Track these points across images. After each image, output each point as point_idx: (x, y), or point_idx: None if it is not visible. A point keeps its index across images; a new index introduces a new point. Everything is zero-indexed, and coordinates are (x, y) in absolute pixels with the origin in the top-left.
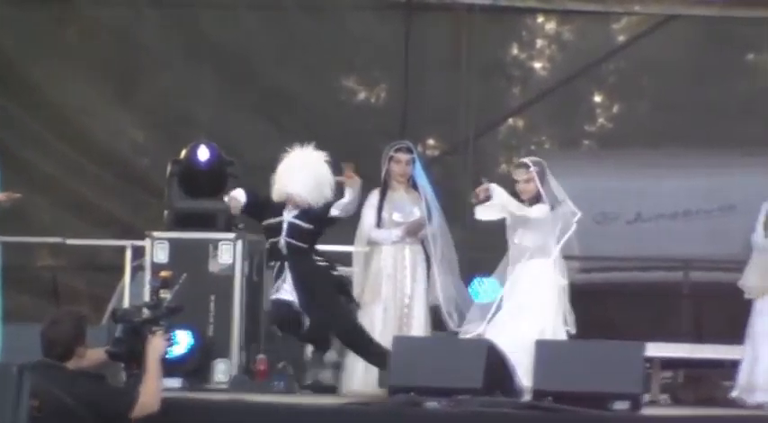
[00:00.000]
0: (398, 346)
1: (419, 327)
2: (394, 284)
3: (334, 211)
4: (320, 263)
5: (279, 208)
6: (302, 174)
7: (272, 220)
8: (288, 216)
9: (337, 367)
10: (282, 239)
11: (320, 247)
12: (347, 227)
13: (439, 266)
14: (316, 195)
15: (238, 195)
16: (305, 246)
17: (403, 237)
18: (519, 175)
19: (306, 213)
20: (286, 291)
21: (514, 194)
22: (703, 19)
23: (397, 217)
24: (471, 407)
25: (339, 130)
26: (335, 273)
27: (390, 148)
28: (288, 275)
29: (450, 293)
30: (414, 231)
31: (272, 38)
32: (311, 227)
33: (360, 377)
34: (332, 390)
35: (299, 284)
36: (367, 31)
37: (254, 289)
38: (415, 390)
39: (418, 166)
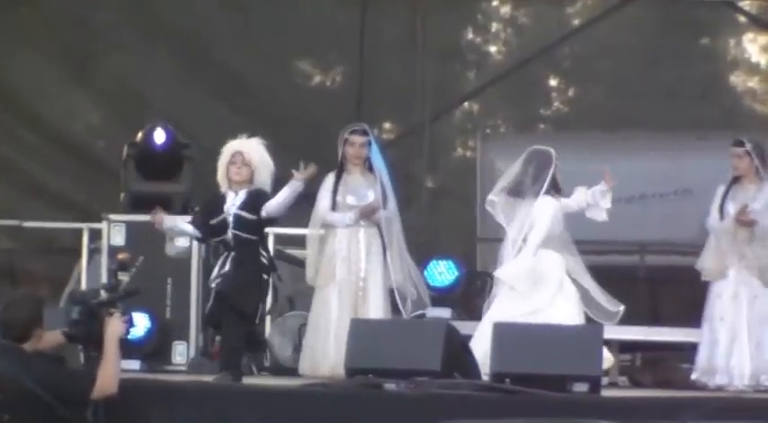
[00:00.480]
0: (356, 329)
1: (375, 309)
2: (348, 267)
3: (263, 213)
4: (264, 261)
5: (217, 208)
6: (250, 142)
7: (215, 220)
8: (232, 209)
9: (297, 349)
10: (230, 232)
11: (277, 229)
12: (304, 210)
13: (396, 249)
14: (262, 167)
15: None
16: (253, 237)
17: (357, 220)
18: None
19: (248, 204)
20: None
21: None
22: (659, 2)
23: (351, 200)
24: (430, 389)
25: (295, 114)
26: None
27: (345, 131)
28: (230, 268)
29: (407, 277)
30: (367, 214)
31: (229, 21)
32: (255, 217)
33: (318, 359)
34: (290, 372)
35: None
36: (323, 15)
37: (211, 271)
38: (374, 372)
39: (375, 148)
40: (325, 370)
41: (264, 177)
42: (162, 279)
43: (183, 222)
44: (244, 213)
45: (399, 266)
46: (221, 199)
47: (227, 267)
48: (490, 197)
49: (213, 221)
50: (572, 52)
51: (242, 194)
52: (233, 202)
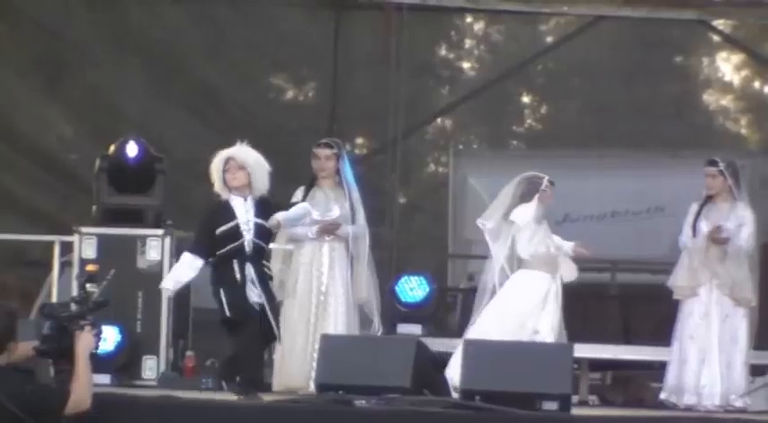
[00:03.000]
0: (327, 344)
1: (334, 323)
2: (310, 281)
3: (271, 221)
4: (266, 270)
5: (226, 215)
6: (240, 146)
7: (226, 227)
8: (248, 216)
9: (266, 364)
10: (249, 240)
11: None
12: None
13: (365, 266)
14: (258, 169)
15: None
16: (266, 246)
17: (318, 235)
18: None
19: (261, 212)
20: (254, 293)
21: None
22: (632, 20)
23: (315, 215)
24: (400, 405)
25: (268, 128)
26: None
27: (316, 145)
28: (255, 278)
29: (372, 293)
30: (328, 231)
31: (202, 34)
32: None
33: (288, 373)
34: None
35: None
36: (296, 29)
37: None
38: (344, 388)
39: (346, 163)
40: (282, 384)
41: (261, 178)
42: (133, 292)
43: (187, 269)
44: (261, 221)
45: (365, 283)
46: (226, 206)
47: (255, 278)
48: (487, 223)
49: (222, 229)
50: (545, 69)
51: (251, 201)
52: (246, 209)
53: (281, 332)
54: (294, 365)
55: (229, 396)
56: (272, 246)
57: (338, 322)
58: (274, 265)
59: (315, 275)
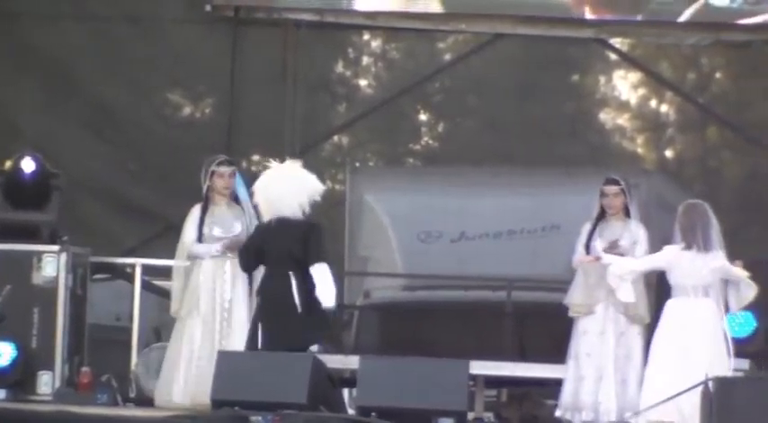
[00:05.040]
0: (223, 361)
1: (239, 340)
2: (213, 297)
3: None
4: None
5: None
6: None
7: None
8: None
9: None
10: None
11: (144, 260)
12: (172, 241)
13: None
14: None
15: None
16: None
17: (223, 251)
18: None
19: None
20: None
21: None
22: (529, 38)
23: (217, 232)
24: (296, 422)
25: (164, 145)
26: None
27: (211, 163)
28: None
29: None
30: (233, 247)
31: (98, 50)
32: None
33: (175, 389)
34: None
35: None
36: (193, 45)
37: (78, 302)
38: (240, 404)
39: (239, 179)
40: (183, 400)
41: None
42: (28, 308)
43: None
44: None
45: None
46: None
47: None
48: None
49: None
50: (443, 87)
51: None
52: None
53: (184, 349)
54: (198, 382)
55: (125, 411)
56: (172, 262)
57: (243, 339)
58: (175, 282)
59: (218, 292)
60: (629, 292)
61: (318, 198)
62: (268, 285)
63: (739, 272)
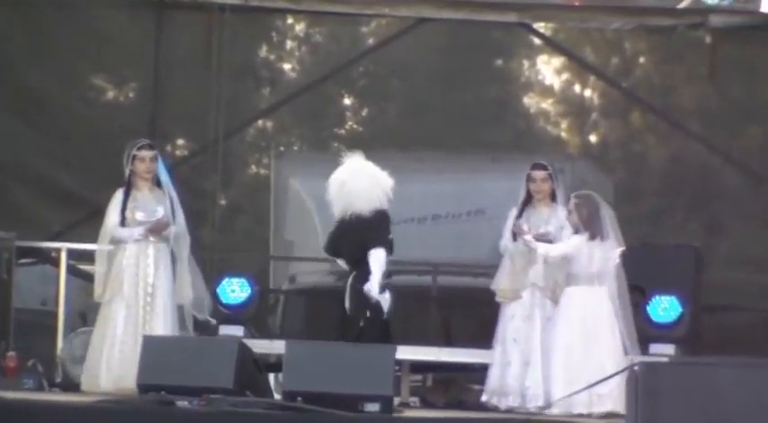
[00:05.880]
0: (148, 345)
1: (163, 324)
2: (136, 282)
3: None
4: None
5: None
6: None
7: None
8: None
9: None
10: None
11: (69, 244)
12: (98, 226)
13: (185, 265)
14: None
15: None
16: None
17: (146, 235)
18: None
19: None
20: None
21: None
22: (453, 23)
23: (140, 216)
24: (222, 406)
25: (89, 130)
26: None
27: (132, 147)
28: None
29: (199, 293)
30: (157, 230)
31: (24, 35)
32: None
33: (100, 374)
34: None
35: None
36: (117, 29)
37: (4, 286)
38: (166, 388)
39: (161, 163)
40: (108, 385)
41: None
42: None
43: None
44: None
45: (191, 282)
46: None
47: None
48: None
49: None
50: (366, 71)
51: None
52: None
53: (108, 334)
54: (123, 367)
55: (51, 396)
56: (95, 247)
57: (167, 323)
58: (98, 267)
59: (141, 276)
60: (539, 275)
61: (390, 194)
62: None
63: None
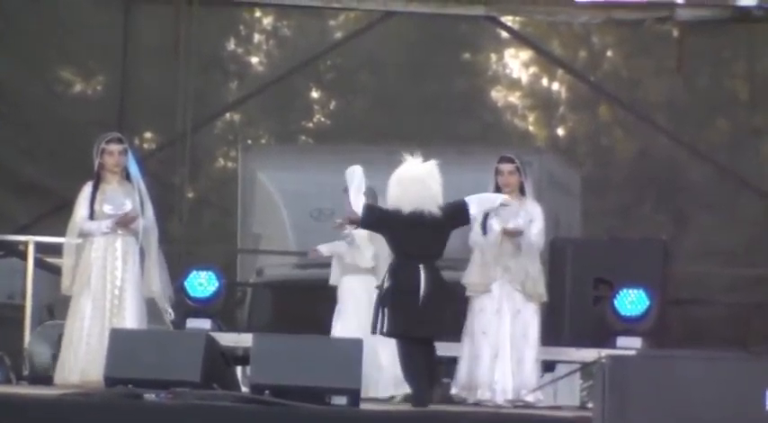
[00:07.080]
0: (116, 338)
1: (131, 318)
2: (104, 275)
3: None
4: None
5: None
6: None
7: None
8: None
9: (55, 358)
10: None
11: (37, 238)
12: (65, 219)
13: (154, 259)
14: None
15: None
16: None
17: (114, 228)
18: None
19: None
20: None
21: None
22: (421, 16)
23: (108, 209)
24: (189, 399)
25: (56, 122)
26: None
27: (101, 140)
28: None
29: (166, 287)
30: (125, 223)
31: None
32: None
33: (82, 368)
34: (49, 380)
35: None
36: (84, 21)
37: None
38: (133, 382)
39: (131, 157)
40: (75, 378)
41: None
42: None
43: None
44: None
45: (159, 276)
46: None
47: None
48: None
49: None
50: (334, 65)
51: None
52: None
53: (76, 327)
54: (89, 360)
55: (18, 389)
56: (63, 240)
57: (134, 316)
58: (67, 260)
59: (109, 270)
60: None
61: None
62: (399, 273)
63: None
